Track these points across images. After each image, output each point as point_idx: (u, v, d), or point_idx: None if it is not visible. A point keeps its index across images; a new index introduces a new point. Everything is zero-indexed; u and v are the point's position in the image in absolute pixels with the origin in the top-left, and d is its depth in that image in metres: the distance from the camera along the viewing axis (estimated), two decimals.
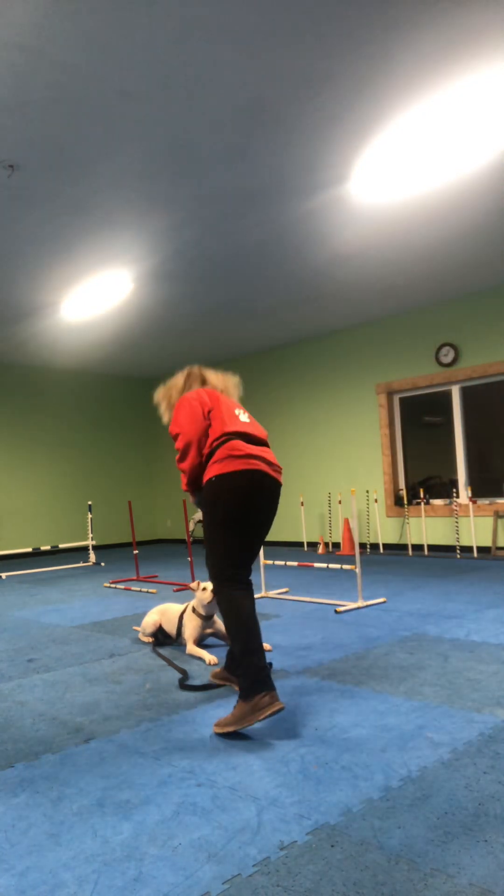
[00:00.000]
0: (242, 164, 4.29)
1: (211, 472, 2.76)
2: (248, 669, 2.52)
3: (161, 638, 3.97)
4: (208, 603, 3.71)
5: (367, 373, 8.62)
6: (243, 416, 2.95)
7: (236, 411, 2.93)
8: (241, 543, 2.75)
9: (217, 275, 6.42)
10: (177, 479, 11.41)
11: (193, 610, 3.79)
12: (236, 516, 2.72)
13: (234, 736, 2.46)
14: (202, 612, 3.75)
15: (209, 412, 2.86)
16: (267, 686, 2.48)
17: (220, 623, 3.82)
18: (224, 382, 3.17)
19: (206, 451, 2.82)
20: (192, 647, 3.67)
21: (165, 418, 3.13)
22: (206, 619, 3.75)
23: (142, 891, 1.55)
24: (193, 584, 3.82)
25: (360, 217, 5.20)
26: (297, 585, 5.98)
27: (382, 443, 8.47)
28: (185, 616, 3.83)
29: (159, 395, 3.19)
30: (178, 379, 3.19)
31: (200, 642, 3.76)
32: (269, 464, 2.79)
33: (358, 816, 1.84)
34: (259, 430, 2.95)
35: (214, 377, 3.17)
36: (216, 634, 3.81)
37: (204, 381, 3.13)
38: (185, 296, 7.04)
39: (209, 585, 3.71)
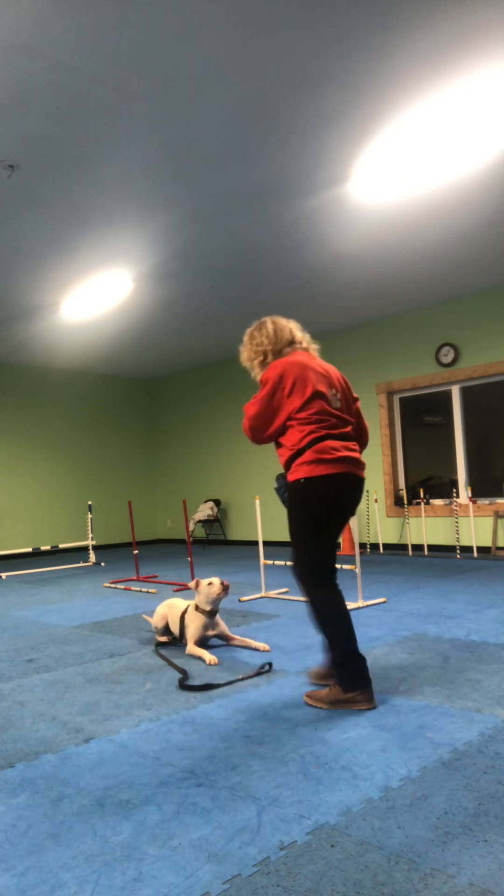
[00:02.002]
0: (242, 164, 4.29)
1: (299, 472, 2.75)
2: (346, 670, 2.69)
3: (170, 637, 3.96)
4: (216, 597, 3.68)
5: (367, 373, 8.62)
6: (333, 393, 2.85)
7: (328, 390, 2.83)
8: (329, 544, 2.80)
9: (217, 275, 6.42)
10: (176, 480, 11.40)
11: (197, 608, 3.76)
12: (326, 519, 2.75)
13: (236, 735, 2.46)
14: (207, 607, 3.72)
15: (290, 398, 2.78)
16: (364, 683, 2.69)
17: (223, 625, 3.81)
18: (308, 341, 3.08)
19: (290, 445, 2.78)
20: (192, 647, 3.66)
21: (259, 378, 2.99)
22: (210, 618, 3.72)
23: (142, 891, 1.55)
24: (192, 584, 3.80)
25: (360, 217, 5.20)
26: (296, 585, 5.97)
27: (382, 443, 8.48)
28: (186, 616, 3.81)
29: (245, 356, 3.08)
30: (265, 335, 3.01)
31: (203, 644, 3.75)
32: (356, 462, 2.79)
33: (358, 816, 1.84)
34: (349, 411, 2.90)
35: (301, 335, 3.06)
36: (219, 636, 3.80)
37: (292, 341, 3.00)
38: (184, 296, 7.04)
39: (215, 580, 3.70)
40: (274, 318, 3.07)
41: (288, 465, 2.83)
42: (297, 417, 2.77)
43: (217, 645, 3.85)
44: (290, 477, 2.79)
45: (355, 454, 2.80)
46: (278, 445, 2.90)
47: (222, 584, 3.68)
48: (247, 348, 3.09)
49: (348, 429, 2.84)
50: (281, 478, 2.91)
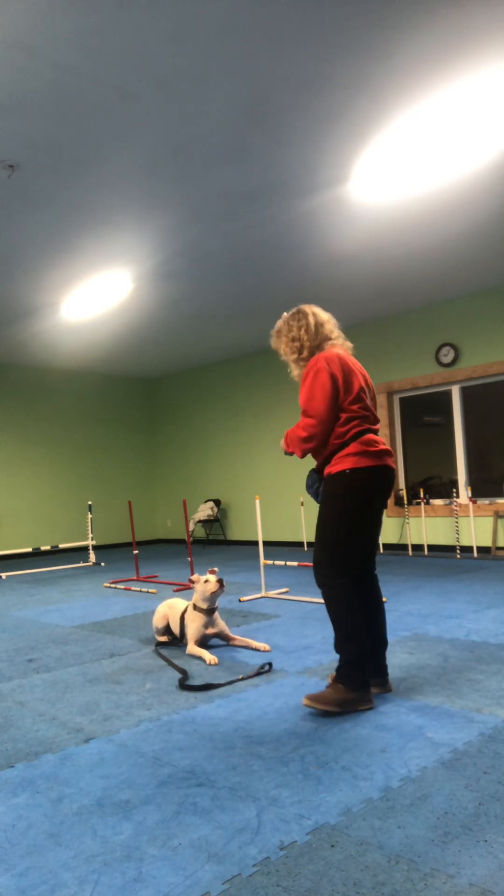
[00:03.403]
0: (242, 164, 4.29)
1: (344, 464, 2.71)
2: (356, 669, 2.67)
3: (170, 637, 3.96)
4: (211, 594, 3.68)
5: (368, 373, 8.62)
6: (367, 391, 2.84)
7: (364, 385, 2.82)
8: (366, 537, 2.78)
9: (217, 275, 6.42)
10: (176, 480, 11.40)
11: (195, 607, 3.76)
12: (363, 511, 2.74)
13: (236, 735, 2.46)
14: (204, 605, 3.72)
15: (344, 391, 2.73)
16: (367, 684, 2.69)
17: (222, 623, 3.81)
18: (343, 339, 2.95)
19: (334, 437, 2.74)
20: (192, 647, 3.66)
21: (295, 373, 2.92)
22: (209, 615, 3.72)
23: (142, 891, 1.55)
24: (194, 577, 3.79)
25: (360, 217, 5.20)
26: (297, 585, 5.98)
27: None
28: (186, 616, 3.81)
29: (282, 350, 2.94)
30: (304, 330, 2.86)
31: (203, 644, 3.74)
32: (391, 455, 2.81)
33: (358, 816, 1.84)
34: (374, 410, 2.88)
35: (336, 330, 2.93)
36: (219, 636, 3.79)
37: (329, 338, 2.88)
38: (185, 296, 7.04)
39: (211, 577, 3.71)
40: (314, 311, 2.92)
41: (329, 457, 2.77)
42: (348, 409, 2.74)
43: (217, 645, 3.85)
44: (333, 468, 2.73)
45: (388, 446, 2.84)
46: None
47: (218, 581, 3.69)
48: (282, 341, 2.95)
49: (378, 426, 2.86)
50: (314, 473, 2.85)
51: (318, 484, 2.85)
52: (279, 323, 2.99)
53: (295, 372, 2.97)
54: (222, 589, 3.70)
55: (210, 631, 3.74)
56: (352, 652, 2.69)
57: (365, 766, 2.15)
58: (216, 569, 3.85)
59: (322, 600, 5.04)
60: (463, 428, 7.93)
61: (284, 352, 2.95)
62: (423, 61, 3.34)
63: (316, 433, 2.74)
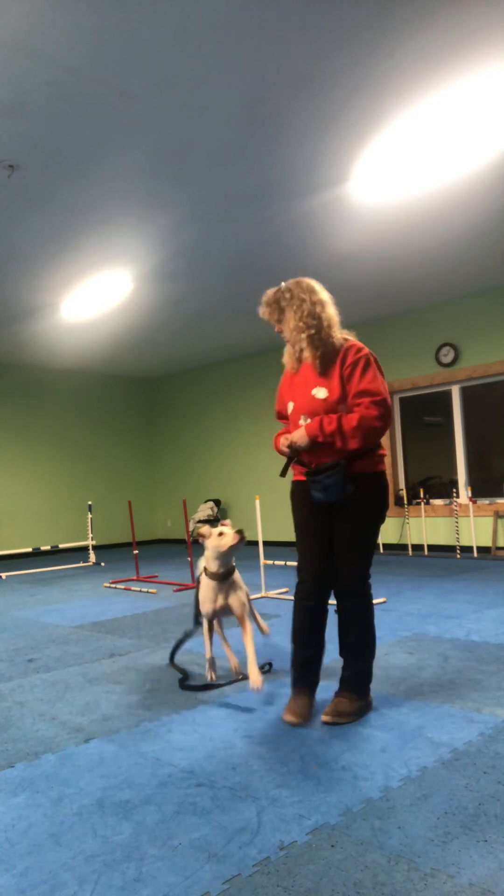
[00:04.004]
0: (242, 164, 4.28)
1: (382, 464, 2.63)
2: (367, 680, 2.66)
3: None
4: (228, 549, 2.87)
5: None
6: None
7: None
8: None
9: (217, 275, 6.42)
10: (176, 480, 11.39)
11: (205, 571, 2.96)
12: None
13: (236, 734, 2.46)
14: (215, 567, 2.92)
15: None
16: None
17: (241, 593, 2.99)
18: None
19: None
20: (205, 631, 3.04)
21: (307, 353, 2.58)
22: (221, 581, 2.93)
23: (142, 891, 1.55)
24: (203, 530, 2.95)
25: (360, 217, 5.19)
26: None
27: (382, 443, 8.47)
28: (200, 586, 3.03)
29: (291, 321, 2.59)
30: (320, 307, 2.58)
31: (215, 618, 3.06)
32: None
33: (358, 816, 1.84)
34: None
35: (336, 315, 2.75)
36: (228, 609, 2.96)
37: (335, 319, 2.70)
38: (185, 296, 7.03)
39: (227, 529, 2.92)
40: (319, 286, 2.66)
41: (362, 455, 2.53)
42: None
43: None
44: (375, 467, 2.59)
45: None
46: None
47: (237, 532, 2.87)
48: (293, 315, 2.58)
49: None
50: (341, 467, 2.46)
51: (342, 480, 2.46)
52: (276, 294, 2.67)
53: (307, 353, 2.59)
54: (242, 543, 2.87)
55: (220, 602, 2.93)
56: (371, 657, 2.68)
57: (365, 766, 2.15)
58: (228, 521, 3.05)
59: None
60: (463, 428, 7.93)
61: (296, 326, 2.57)
62: (423, 61, 3.34)
63: (387, 414, 2.51)
